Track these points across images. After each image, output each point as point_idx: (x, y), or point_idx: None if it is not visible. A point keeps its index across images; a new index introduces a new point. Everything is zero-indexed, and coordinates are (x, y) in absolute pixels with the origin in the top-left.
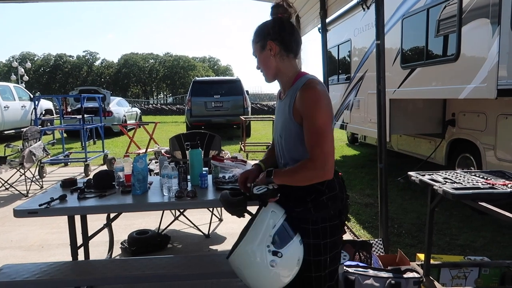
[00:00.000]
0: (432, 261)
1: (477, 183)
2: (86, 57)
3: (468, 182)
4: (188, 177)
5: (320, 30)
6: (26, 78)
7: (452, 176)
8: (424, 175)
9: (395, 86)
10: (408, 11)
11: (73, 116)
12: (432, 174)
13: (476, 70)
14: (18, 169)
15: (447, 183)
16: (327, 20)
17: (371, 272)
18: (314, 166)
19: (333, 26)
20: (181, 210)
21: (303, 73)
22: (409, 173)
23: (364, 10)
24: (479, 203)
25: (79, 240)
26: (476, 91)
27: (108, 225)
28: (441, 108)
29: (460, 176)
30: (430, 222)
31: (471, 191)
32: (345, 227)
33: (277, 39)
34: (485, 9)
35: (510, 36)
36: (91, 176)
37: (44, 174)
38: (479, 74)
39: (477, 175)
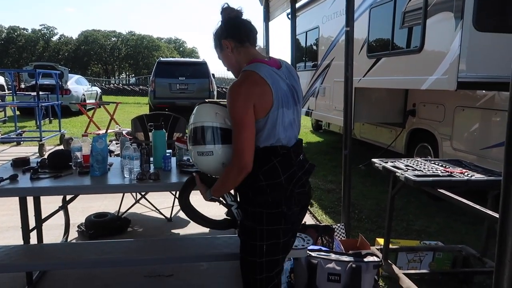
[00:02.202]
0: (390, 246)
1: (436, 171)
2: (43, 31)
3: (428, 170)
4: (151, 159)
5: (289, 16)
6: None
7: (413, 164)
8: (387, 162)
9: (361, 75)
10: (376, 1)
11: (27, 93)
12: (395, 162)
13: (438, 62)
14: None
15: (408, 170)
16: (297, 5)
17: (333, 256)
18: (232, 164)
19: (302, 13)
20: (143, 193)
21: (254, 61)
22: (373, 160)
23: None
24: (438, 189)
25: (32, 223)
26: (437, 82)
27: (64, 207)
28: (403, 98)
29: (421, 164)
30: (391, 208)
31: (431, 178)
32: (299, 221)
33: (228, 35)
34: (450, 3)
35: (471, 30)
36: (45, 156)
37: None
38: (441, 66)
39: (436, 163)
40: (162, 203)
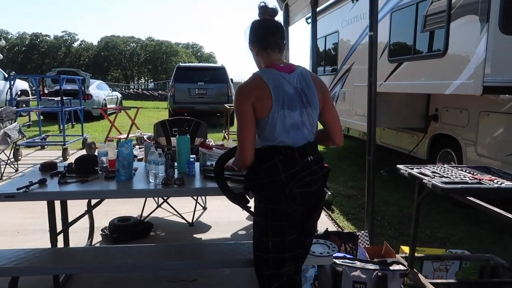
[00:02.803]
0: (416, 254)
1: (464, 178)
2: (64, 38)
3: (456, 177)
4: (175, 164)
5: (309, 20)
6: (0, 56)
7: (440, 170)
8: (412, 169)
9: (382, 79)
10: (397, 5)
11: (50, 98)
12: (421, 168)
13: (463, 67)
14: None
15: (435, 177)
16: (317, 9)
17: (358, 264)
18: (237, 154)
19: (321, 17)
20: (165, 198)
21: (268, 66)
22: (398, 166)
23: (353, 2)
24: (467, 197)
25: (58, 227)
26: (462, 87)
27: (89, 211)
28: (425, 103)
29: (448, 171)
30: (417, 215)
31: (459, 185)
32: (299, 221)
33: (253, 41)
34: (474, 5)
35: (497, 33)
36: (70, 160)
37: (20, 157)
38: (466, 70)
39: (464, 170)
40: (184, 207)
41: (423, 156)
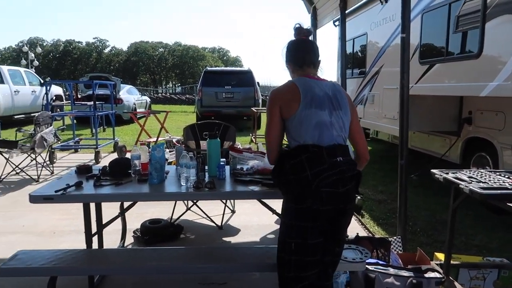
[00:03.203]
0: (451, 261)
1: (504, 183)
2: (96, 44)
3: (494, 182)
4: (206, 167)
5: (337, 23)
6: (36, 63)
7: (477, 175)
8: (448, 173)
9: (413, 82)
10: (428, 6)
11: (83, 102)
12: (456, 173)
13: (499, 68)
14: (29, 154)
15: (472, 182)
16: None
17: (391, 270)
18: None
19: (349, 20)
20: (194, 200)
21: (302, 76)
22: (432, 170)
23: (382, 4)
24: (508, 203)
25: (93, 228)
26: (498, 89)
27: (123, 213)
28: (458, 106)
29: (485, 176)
30: (452, 221)
31: (499, 191)
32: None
33: (289, 60)
34: (511, 5)
35: None
36: (102, 163)
37: (55, 160)
38: (503, 72)
39: (503, 175)
40: (212, 210)
41: (456, 160)
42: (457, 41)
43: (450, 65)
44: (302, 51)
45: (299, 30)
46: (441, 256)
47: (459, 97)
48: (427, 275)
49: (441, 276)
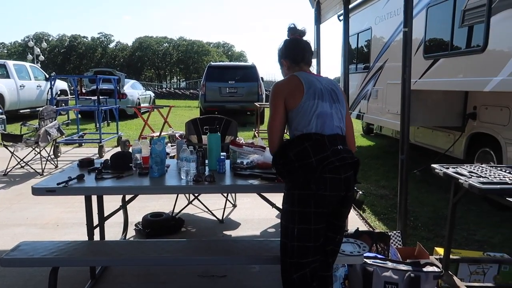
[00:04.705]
0: (451, 256)
1: (504, 178)
2: (101, 39)
3: (494, 177)
4: (206, 161)
5: (341, 18)
6: (42, 58)
7: (477, 170)
8: (448, 168)
9: (416, 76)
10: (433, 0)
11: (87, 97)
12: (457, 168)
13: (504, 62)
14: (33, 148)
15: (472, 177)
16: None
17: (389, 264)
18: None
19: (353, 14)
20: (196, 194)
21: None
22: (432, 165)
23: None
24: (507, 198)
25: (95, 221)
26: (503, 84)
27: (124, 206)
28: (462, 101)
29: (486, 170)
30: (452, 216)
31: (498, 186)
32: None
33: (285, 56)
34: None
35: None
36: (106, 157)
37: (59, 154)
38: (507, 66)
39: (503, 169)
40: (214, 204)
41: (460, 155)
42: (462, 35)
43: (454, 59)
44: (302, 50)
45: (293, 30)
46: (441, 251)
47: (464, 92)
48: (426, 269)
49: (439, 270)
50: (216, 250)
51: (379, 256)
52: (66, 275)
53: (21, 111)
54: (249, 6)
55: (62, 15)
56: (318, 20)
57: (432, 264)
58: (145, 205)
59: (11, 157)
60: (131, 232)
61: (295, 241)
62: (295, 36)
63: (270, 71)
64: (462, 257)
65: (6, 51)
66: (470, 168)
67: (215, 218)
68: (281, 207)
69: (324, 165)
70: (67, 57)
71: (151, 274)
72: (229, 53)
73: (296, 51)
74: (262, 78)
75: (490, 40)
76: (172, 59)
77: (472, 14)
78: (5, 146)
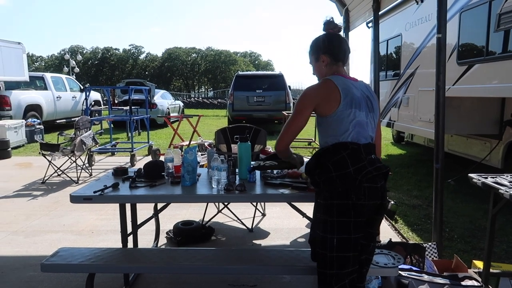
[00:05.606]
0: (491, 269)
1: None
2: (132, 51)
3: None
4: (237, 170)
5: (370, 25)
6: (77, 70)
7: None
8: (486, 178)
9: (450, 83)
10: (467, 5)
11: (120, 107)
12: (496, 177)
13: None
14: (69, 156)
15: None
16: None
17: (425, 277)
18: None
19: (382, 21)
20: (225, 203)
21: (336, 74)
22: (470, 175)
23: (417, 4)
24: None
25: (128, 228)
26: None
27: (156, 214)
28: (499, 108)
29: None
30: (492, 228)
31: None
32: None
33: (327, 52)
34: None
35: None
36: (138, 166)
37: (93, 163)
38: None
39: None
40: (243, 213)
41: (497, 164)
42: (498, 40)
43: (490, 65)
44: (343, 45)
45: (330, 24)
46: (479, 264)
47: (501, 98)
48: (464, 283)
49: (479, 284)
50: (247, 259)
51: (414, 268)
52: (101, 282)
53: (57, 121)
54: (275, 15)
55: (95, 28)
56: (347, 28)
57: (471, 278)
58: (175, 213)
59: (48, 166)
60: (162, 240)
61: (334, 252)
62: (334, 31)
63: (298, 79)
64: (503, 271)
65: (43, 64)
66: (511, 178)
67: (244, 227)
68: (311, 216)
69: (362, 175)
70: (100, 69)
71: (183, 282)
72: (256, 62)
73: (339, 47)
74: (289, 86)
75: None
76: (200, 69)
77: (508, 18)
78: (43, 155)
